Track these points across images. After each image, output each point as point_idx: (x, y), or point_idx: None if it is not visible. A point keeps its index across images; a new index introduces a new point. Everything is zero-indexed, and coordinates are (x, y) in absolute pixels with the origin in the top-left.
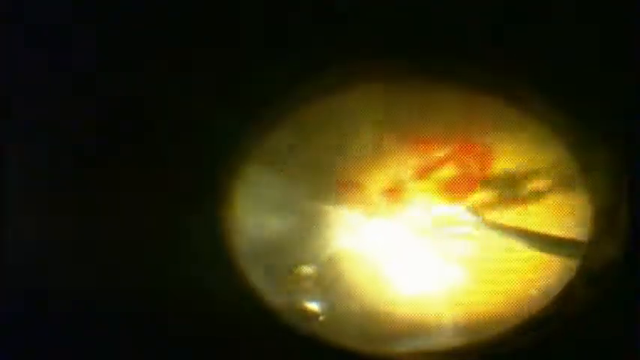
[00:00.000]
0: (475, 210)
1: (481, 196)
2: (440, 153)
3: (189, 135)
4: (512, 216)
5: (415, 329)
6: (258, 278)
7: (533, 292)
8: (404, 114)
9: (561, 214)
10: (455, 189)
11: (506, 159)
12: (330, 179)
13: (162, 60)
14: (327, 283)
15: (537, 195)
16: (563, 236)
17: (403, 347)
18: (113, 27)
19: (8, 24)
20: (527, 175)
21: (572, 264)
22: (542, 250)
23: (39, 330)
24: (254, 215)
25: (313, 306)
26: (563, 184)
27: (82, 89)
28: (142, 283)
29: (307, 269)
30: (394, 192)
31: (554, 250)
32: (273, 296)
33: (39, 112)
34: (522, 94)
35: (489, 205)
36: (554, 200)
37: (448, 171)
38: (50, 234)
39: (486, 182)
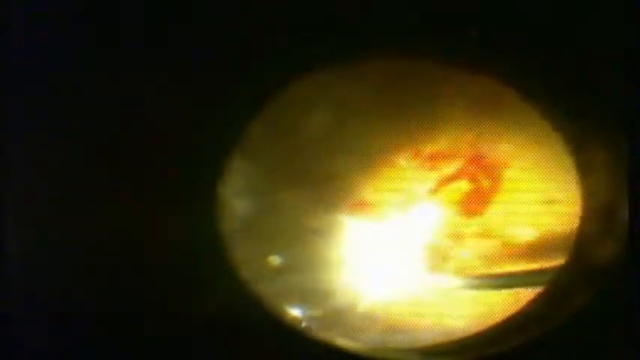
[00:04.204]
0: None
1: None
2: (449, 168)
3: (182, 131)
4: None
5: (414, 328)
6: (251, 274)
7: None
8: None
9: (560, 214)
10: (466, 205)
11: (513, 167)
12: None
13: (153, 58)
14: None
15: (537, 196)
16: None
17: (401, 346)
18: (107, 24)
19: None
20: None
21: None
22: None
23: (38, 330)
24: (247, 208)
25: (296, 311)
26: (563, 183)
27: (79, 87)
28: (140, 282)
29: (278, 259)
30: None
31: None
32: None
33: (38, 111)
34: (522, 92)
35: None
36: (554, 200)
37: (459, 187)
38: (46, 233)
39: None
